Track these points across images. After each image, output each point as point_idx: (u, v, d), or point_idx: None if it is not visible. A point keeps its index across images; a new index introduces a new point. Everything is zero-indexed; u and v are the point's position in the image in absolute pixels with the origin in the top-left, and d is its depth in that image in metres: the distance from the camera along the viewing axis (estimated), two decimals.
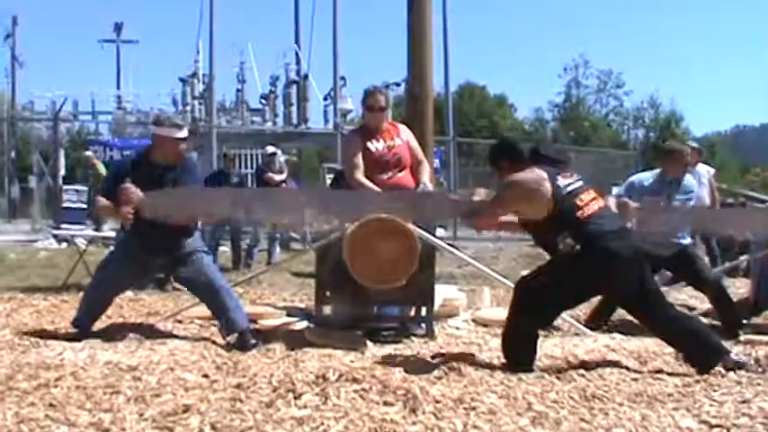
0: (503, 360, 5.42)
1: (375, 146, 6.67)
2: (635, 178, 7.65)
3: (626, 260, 5.25)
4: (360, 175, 6.54)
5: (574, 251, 5.22)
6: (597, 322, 6.96)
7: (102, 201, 6.24)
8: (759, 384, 4.81)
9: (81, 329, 6.19)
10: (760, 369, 5.30)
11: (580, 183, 5.41)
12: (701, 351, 5.29)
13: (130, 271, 6.44)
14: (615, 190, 7.33)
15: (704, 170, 10.68)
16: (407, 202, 6.29)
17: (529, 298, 5.37)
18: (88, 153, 18.33)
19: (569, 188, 5.30)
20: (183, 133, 6.30)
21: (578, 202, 5.27)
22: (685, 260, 7.31)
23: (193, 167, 6.81)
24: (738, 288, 9.34)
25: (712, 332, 5.66)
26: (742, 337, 6.58)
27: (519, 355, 5.26)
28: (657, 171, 7.48)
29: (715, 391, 4.68)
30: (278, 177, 14.31)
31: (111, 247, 14.06)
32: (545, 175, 5.28)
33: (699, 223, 7.62)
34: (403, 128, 7.06)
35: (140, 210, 5.99)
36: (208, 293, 6.31)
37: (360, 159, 6.60)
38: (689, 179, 7.62)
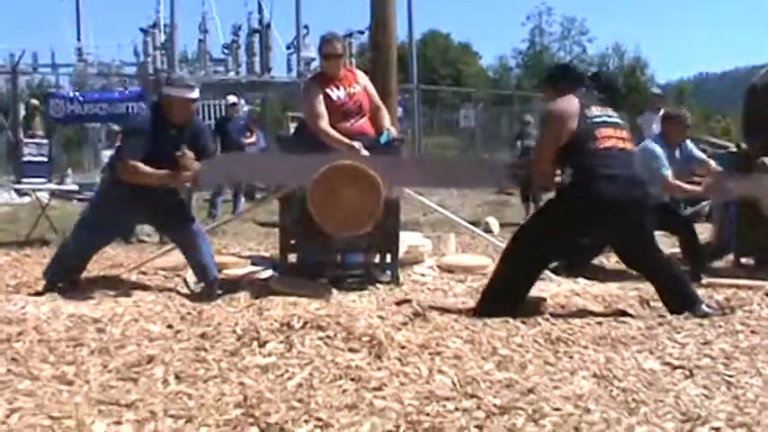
0: (469, 305, 5.45)
1: (336, 93, 6.61)
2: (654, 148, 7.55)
3: (613, 204, 5.22)
4: (324, 124, 6.48)
5: (564, 190, 5.26)
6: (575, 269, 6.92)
7: (143, 167, 5.93)
8: (720, 326, 4.88)
9: (55, 285, 6.12)
10: (721, 312, 5.36)
11: (612, 120, 5.43)
12: (679, 298, 5.34)
13: (118, 225, 6.41)
14: None
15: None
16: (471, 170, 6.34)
17: (514, 255, 5.42)
18: None
19: (596, 119, 5.34)
20: (195, 94, 6.18)
21: (596, 133, 5.28)
22: (659, 207, 7.33)
23: (206, 129, 6.71)
24: (701, 233, 9.41)
25: (689, 281, 5.70)
26: (704, 281, 6.65)
27: (490, 310, 5.25)
28: (656, 139, 7.47)
29: (678, 333, 4.74)
30: (248, 140, 14.30)
31: (75, 201, 14.02)
32: (577, 101, 5.36)
33: None
34: (360, 74, 7.01)
35: (199, 176, 6.04)
36: (188, 241, 6.30)
37: (322, 107, 6.53)
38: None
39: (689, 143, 7.76)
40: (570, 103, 5.36)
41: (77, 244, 6.27)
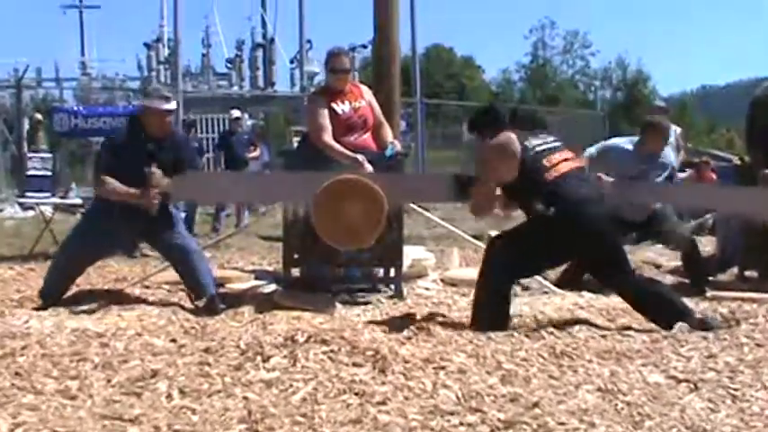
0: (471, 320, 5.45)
1: (341, 108, 6.61)
2: (612, 144, 7.61)
3: (599, 227, 5.28)
4: (328, 138, 6.46)
5: (548, 214, 5.25)
6: (570, 284, 6.91)
7: (113, 182, 5.96)
8: (725, 339, 4.86)
9: (48, 300, 6.10)
10: (725, 324, 5.35)
11: (553, 144, 5.46)
12: (665, 314, 5.32)
13: (107, 240, 6.35)
14: (587, 151, 7.26)
15: (671, 129, 10.69)
16: (401, 185, 6.28)
17: (500, 259, 5.39)
18: None
19: (538, 148, 5.36)
20: (171, 105, 6.19)
21: (546, 163, 5.30)
22: (658, 220, 7.32)
23: (186, 142, 6.69)
24: (704, 246, 9.41)
25: (675, 294, 5.69)
26: (708, 294, 6.64)
27: (488, 316, 5.25)
28: (635, 141, 7.44)
29: (682, 346, 4.72)
30: (252, 154, 14.39)
31: (79, 215, 14.04)
32: (514, 135, 5.35)
33: (669, 199, 7.50)
34: (365, 89, 7.01)
35: (167, 193, 5.98)
36: (178, 257, 6.26)
37: (326, 121, 6.52)
38: (667, 152, 7.62)
39: (669, 151, 7.75)
40: (509, 139, 5.37)
41: (66, 259, 6.26)
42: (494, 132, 5.46)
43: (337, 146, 6.42)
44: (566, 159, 5.40)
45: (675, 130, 10.98)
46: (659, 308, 5.36)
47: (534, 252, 5.35)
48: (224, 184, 6.73)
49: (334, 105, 6.58)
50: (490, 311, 5.27)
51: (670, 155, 7.76)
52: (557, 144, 5.49)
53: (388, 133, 6.83)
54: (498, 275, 5.37)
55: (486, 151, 5.52)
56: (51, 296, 6.12)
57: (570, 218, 5.21)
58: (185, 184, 6.11)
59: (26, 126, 20.62)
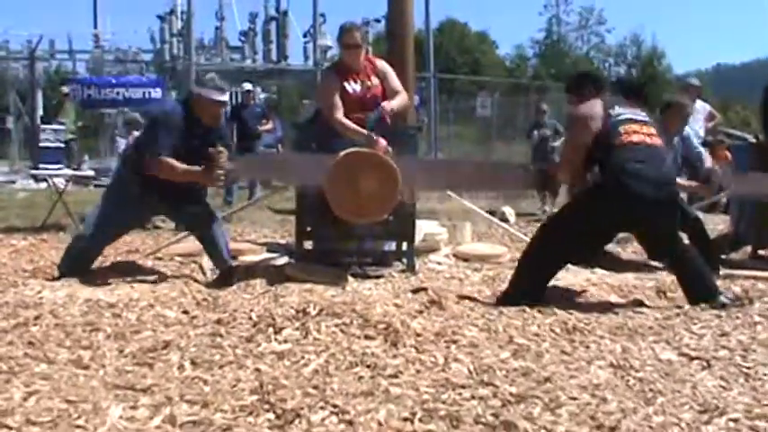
0: (485, 294, 5.45)
1: (352, 87, 6.54)
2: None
3: (643, 202, 5.21)
4: (340, 115, 6.43)
5: (594, 185, 5.31)
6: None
7: (174, 162, 5.87)
8: (738, 318, 4.85)
9: (70, 274, 6.07)
10: (738, 303, 5.33)
11: (640, 117, 5.48)
12: (701, 288, 5.32)
13: (133, 219, 6.39)
14: None
15: (700, 106, 10.92)
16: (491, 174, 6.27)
17: (553, 235, 5.45)
18: None
19: (621, 117, 5.37)
20: (224, 97, 6.19)
21: (621, 129, 5.31)
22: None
23: (228, 132, 6.69)
24: (717, 224, 9.38)
25: (711, 271, 5.68)
26: (721, 272, 6.61)
27: (528, 288, 5.28)
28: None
29: (695, 324, 4.72)
30: (265, 127, 14.33)
31: (92, 187, 14.07)
32: (600, 103, 5.43)
33: None
34: (380, 63, 6.87)
35: (231, 174, 6.04)
36: (204, 227, 6.28)
37: (337, 98, 6.47)
38: (688, 131, 7.58)
39: (690, 133, 7.69)
40: (593, 106, 5.42)
41: (91, 238, 6.21)
42: (585, 98, 5.55)
43: (349, 123, 6.38)
44: (644, 134, 5.37)
45: (704, 108, 11.21)
46: (698, 283, 5.38)
47: (580, 230, 5.35)
48: (290, 166, 6.66)
49: (345, 83, 6.53)
50: (519, 297, 5.25)
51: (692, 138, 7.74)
52: (645, 119, 5.49)
53: (395, 100, 6.65)
54: (535, 265, 5.41)
55: (569, 118, 5.68)
56: (74, 273, 6.09)
57: (618, 189, 5.20)
58: (253, 164, 6.14)
59: (40, 98, 20.62)
